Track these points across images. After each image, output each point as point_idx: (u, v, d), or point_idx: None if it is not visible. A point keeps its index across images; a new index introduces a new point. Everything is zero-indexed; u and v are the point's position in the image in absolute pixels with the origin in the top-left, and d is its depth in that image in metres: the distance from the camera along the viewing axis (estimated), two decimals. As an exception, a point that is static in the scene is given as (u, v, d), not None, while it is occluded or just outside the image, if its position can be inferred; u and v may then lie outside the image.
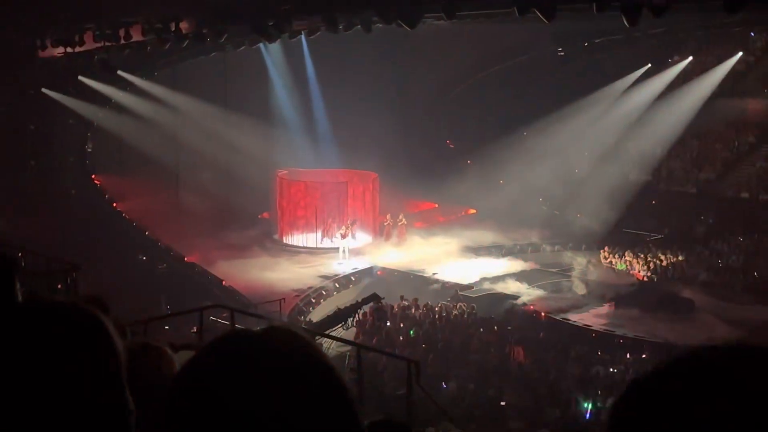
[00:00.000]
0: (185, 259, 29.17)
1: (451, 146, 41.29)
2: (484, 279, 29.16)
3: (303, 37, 27.37)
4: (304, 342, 1.43)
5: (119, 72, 31.36)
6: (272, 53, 37.10)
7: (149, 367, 3.03)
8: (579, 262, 31.11)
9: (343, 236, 31.68)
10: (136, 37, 23.74)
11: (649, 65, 37.91)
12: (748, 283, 28.49)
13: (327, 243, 33.34)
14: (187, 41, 24.01)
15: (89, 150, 32.83)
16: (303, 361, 1.39)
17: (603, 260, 31.43)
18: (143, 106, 32.33)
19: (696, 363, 1.15)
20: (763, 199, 34.25)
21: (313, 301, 27.37)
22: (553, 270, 30.76)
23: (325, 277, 29.54)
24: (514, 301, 26.73)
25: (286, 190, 34.93)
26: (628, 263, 30.84)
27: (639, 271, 30.35)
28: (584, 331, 24.19)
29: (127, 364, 1.72)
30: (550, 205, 36.96)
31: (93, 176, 32.53)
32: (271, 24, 21.44)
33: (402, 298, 25.32)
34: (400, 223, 34.06)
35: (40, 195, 29.34)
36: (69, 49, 25.20)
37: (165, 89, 33.08)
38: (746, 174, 36.00)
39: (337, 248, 32.02)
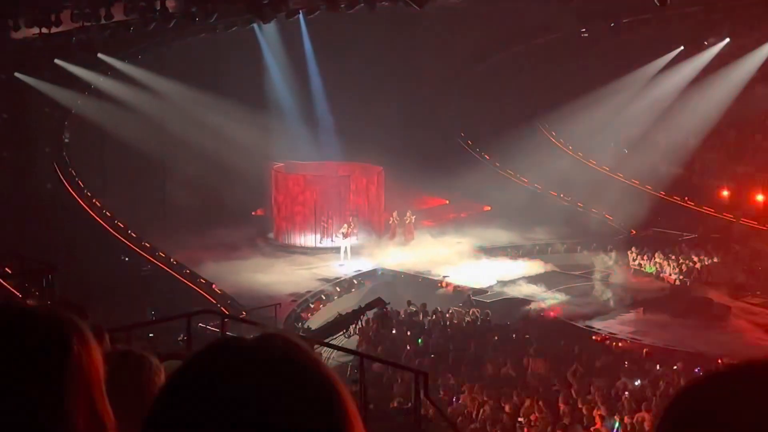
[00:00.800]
0: (172, 259, 29.19)
1: (463, 134, 41.23)
2: (499, 282, 29.15)
3: (301, 16, 27.38)
4: (302, 351, 1.43)
5: (99, 55, 31.36)
6: (267, 35, 37.06)
7: (132, 378, 3.04)
8: (604, 264, 31.08)
9: (345, 235, 31.72)
10: (118, 16, 23.75)
11: (682, 48, 37.81)
12: (790, 287, 28.43)
13: (327, 243, 33.36)
14: (174, 21, 24.02)
15: (66, 140, 32.86)
16: (301, 372, 1.39)
17: (630, 262, 31.38)
18: (126, 93, 32.34)
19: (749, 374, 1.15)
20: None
21: (312, 306, 27.40)
22: (576, 273, 30.75)
23: (325, 280, 29.57)
24: (533, 307, 26.71)
25: (282, 185, 34.96)
26: (657, 265, 30.79)
27: (670, 274, 30.30)
28: (610, 340, 24.16)
29: (108, 375, 1.72)
30: (572, 201, 36.92)
31: (71, 169, 32.56)
32: (265, 2, 21.44)
33: (409, 303, 25.32)
34: (407, 221, 34.07)
35: (13, 189, 29.40)
36: (44, 30, 25.21)
37: (150, 74, 33.08)
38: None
39: (339, 248, 32.05)
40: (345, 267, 31.01)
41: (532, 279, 29.54)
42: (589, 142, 37.37)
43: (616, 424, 16.90)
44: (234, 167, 33.56)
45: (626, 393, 18.41)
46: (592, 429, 16.80)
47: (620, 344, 23.79)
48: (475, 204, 38.12)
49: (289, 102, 37.92)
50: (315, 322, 25.44)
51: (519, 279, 29.46)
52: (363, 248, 32.43)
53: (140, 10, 23.09)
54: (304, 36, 37.49)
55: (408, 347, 22.18)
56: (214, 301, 25.67)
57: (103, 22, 23.83)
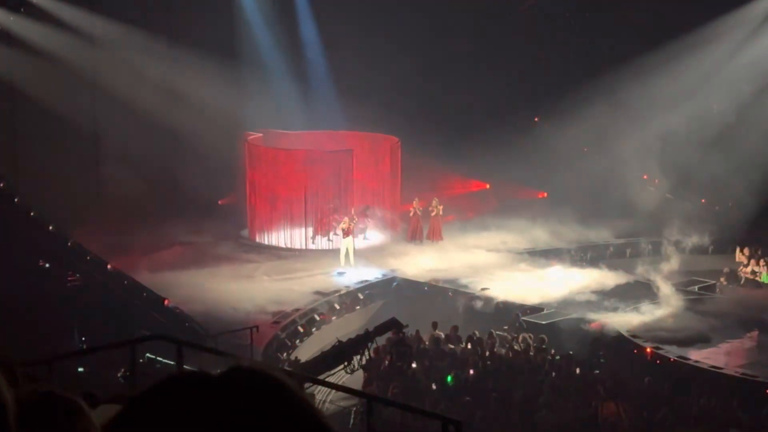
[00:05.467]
0: (108, 266, 29.27)
1: (510, 95, 41.19)
2: (559, 297, 29.14)
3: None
4: (285, 389, 1.42)
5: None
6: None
7: (56, 429, 3.05)
8: (704, 272, 31.05)
9: (346, 232, 31.71)
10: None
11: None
12: None
13: (322, 242, 33.39)
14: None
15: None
16: (283, 419, 1.39)
17: (741, 268, 31.34)
18: (46, 37, 32.38)
19: None
20: None
21: (301, 330, 27.44)
22: (665, 284, 30.68)
23: (319, 294, 29.59)
24: (605, 331, 26.69)
25: (259, 163, 35.00)
26: (778, 273, 30.82)
27: (795, 286, 30.35)
28: (712, 375, 24.11)
29: (22, 424, 1.72)
30: (659, 186, 36.84)
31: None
32: None
33: (435, 325, 25.34)
34: (432, 213, 34.05)
35: None
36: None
37: (78, 11, 33.12)
38: None
39: (337, 250, 32.09)
40: (347, 275, 31.02)
41: (605, 292, 29.50)
42: (684, 103, 37.23)
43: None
44: (194, 139, 33.57)
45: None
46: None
47: (727, 382, 23.74)
48: (525, 189, 38.06)
49: (271, 52, 37.92)
50: (305, 351, 25.48)
51: (586, 292, 29.42)
52: (372, 250, 32.44)
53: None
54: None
55: (434, 386, 22.21)
56: (167, 323, 25.71)
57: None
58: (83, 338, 24.06)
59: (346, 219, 31.99)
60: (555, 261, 32.30)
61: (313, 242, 33.67)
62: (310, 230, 33.83)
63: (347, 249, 31.72)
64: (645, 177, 37.23)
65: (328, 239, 33.35)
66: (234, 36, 37.21)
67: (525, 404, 21.01)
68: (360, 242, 32.68)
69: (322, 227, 33.59)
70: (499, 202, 37.74)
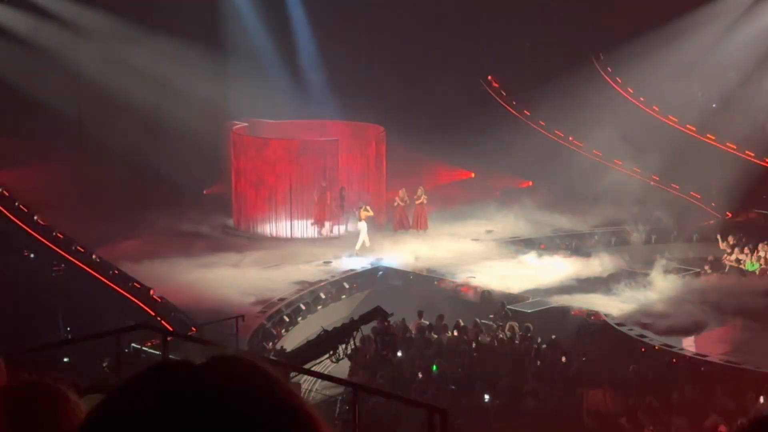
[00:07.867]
0: (93, 256, 29.20)
1: (494, 84, 41.17)
2: (544, 286, 29.15)
3: None
4: (270, 379, 1.44)
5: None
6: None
7: (40, 418, 3.06)
8: (688, 260, 31.07)
9: (360, 218, 31.75)
10: None
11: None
12: None
13: (316, 230, 33.41)
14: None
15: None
16: (266, 407, 1.40)
17: (725, 256, 31.40)
18: (28, 25, 32.23)
19: None
20: None
21: (287, 319, 27.41)
22: (650, 272, 30.73)
23: (305, 284, 29.56)
24: (590, 320, 26.72)
25: (244, 152, 34.90)
26: (763, 261, 30.80)
27: (780, 273, 30.37)
28: (696, 363, 24.17)
29: (8, 413, 1.74)
30: (644, 174, 36.86)
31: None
32: None
33: (420, 314, 25.34)
34: (417, 202, 34.01)
35: None
36: None
37: (61, 0, 33.00)
38: None
39: (318, 240, 32.11)
40: (344, 261, 31.05)
41: (590, 281, 29.52)
42: (668, 91, 37.25)
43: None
44: (179, 129, 33.44)
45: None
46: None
47: (711, 369, 23.80)
48: (511, 178, 38.03)
49: (257, 40, 37.79)
50: (291, 341, 25.47)
51: (571, 281, 29.44)
52: (358, 239, 32.45)
53: None
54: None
55: (419, 375, 22.22)
56: (153, 313, 25.67)
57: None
58: (68, 328, 24.00)
59: (362, 204, 31.97)
60: (540, 249, 32.30)
61: (320, 232, 33.52)
62: (310, 220, 33.71)
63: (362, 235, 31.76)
64: (628, 165, 37.25)
65: (329, 231, 33.36)
66: (219, 24, 37.07)
67: (510, 393, 21.04)
68: (345, 231, 32.69)
69: (322, 213, 33.48)
70: (484, 191, 37.69)
